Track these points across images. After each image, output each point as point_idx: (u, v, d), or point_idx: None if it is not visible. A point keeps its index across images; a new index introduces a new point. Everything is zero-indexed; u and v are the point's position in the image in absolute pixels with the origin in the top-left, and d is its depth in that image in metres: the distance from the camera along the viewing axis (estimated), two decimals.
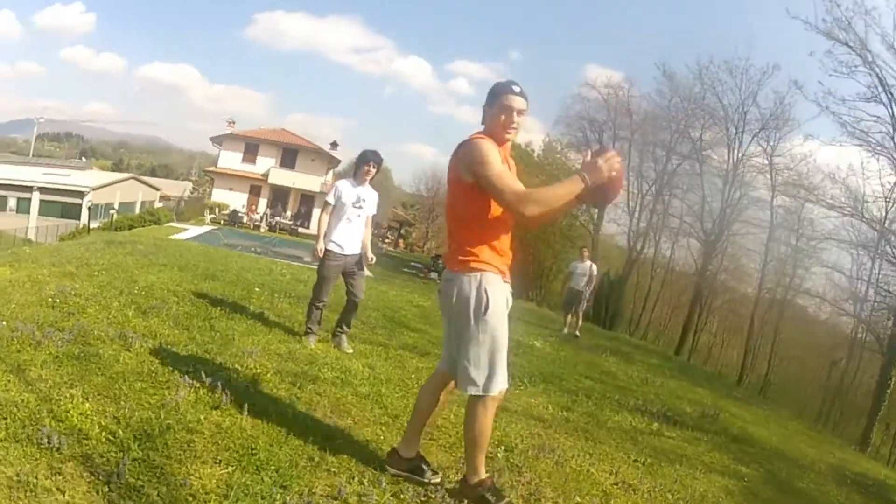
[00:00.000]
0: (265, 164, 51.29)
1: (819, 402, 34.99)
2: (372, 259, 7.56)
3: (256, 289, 9.84)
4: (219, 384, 4.28)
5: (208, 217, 42.60)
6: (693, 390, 11.75)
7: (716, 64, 34.91)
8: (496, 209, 3.36)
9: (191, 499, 2.91)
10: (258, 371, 4.98)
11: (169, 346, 5.23)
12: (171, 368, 4.60)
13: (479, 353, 3.36)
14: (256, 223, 44.18)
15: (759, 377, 35.50)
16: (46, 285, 6.96)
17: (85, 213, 44.56)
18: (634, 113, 37.93)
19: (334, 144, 53.94)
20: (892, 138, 26.28)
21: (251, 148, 51.70)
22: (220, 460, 3.33)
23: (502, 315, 3.39)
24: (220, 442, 3.54)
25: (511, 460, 4.38)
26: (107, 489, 2.82)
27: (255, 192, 50.82)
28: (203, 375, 4.42)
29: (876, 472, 9.63)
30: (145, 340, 5.20)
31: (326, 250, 7.14)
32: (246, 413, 3.98)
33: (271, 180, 50.45)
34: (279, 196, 50.64)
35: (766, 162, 33.74)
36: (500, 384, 3.40)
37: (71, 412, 3.48)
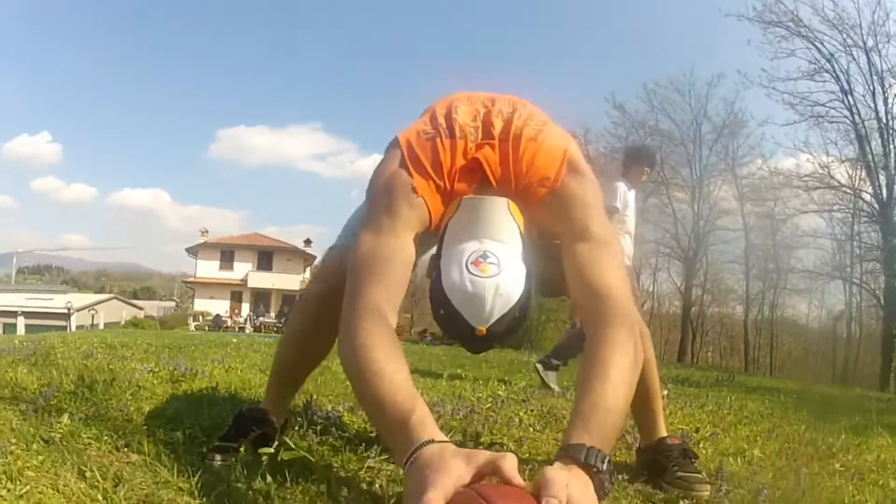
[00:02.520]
0: (242, 269, 51.60)
1: (831, 368, 33.99)
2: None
3: (233, 340, 9.72)
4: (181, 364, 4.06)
5: (192, 324, 42.32)
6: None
7: (662, 85, 34.41)
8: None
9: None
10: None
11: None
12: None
13: None
14: (241, 325, 44.01)
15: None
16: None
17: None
18: (593, 160, 37.64)
19: (308, 242, 54.56)
20: (843, 101, 26.57)
21: (227, 255, 52.11)
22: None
23: None
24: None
25: None
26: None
27: (235, 297, 50.96)
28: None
29: None
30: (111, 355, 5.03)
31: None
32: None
33: (251, 284, 50.66)
34: (260, 299, 50.76)
35: (727, 167, 33.74)
36: None
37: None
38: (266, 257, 52.73)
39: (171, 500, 1.48)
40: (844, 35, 26.03)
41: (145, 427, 2.10)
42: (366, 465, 1.90)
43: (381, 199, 1.82)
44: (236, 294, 51.09)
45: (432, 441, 1.28)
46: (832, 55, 26.45)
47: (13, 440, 1.79)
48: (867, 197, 27.35)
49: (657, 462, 2.31)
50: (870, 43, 25.56)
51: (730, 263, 35.11)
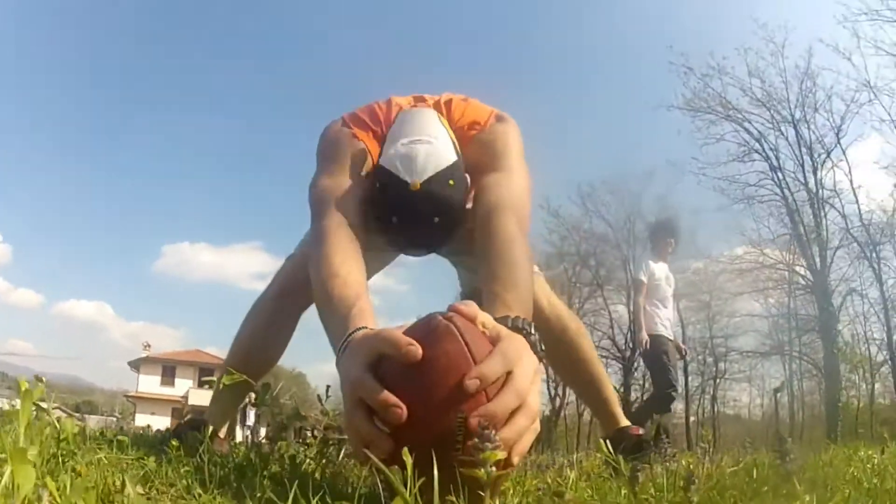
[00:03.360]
0: (184, 385, 50.47)
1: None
2: (685, 350, 6.58)
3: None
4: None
5: None
6: None
7: (595, 187, 34.21)
8: None
9: None
10: None
11: None
12: None
13: None
14: None
15: None
16: None
17: None
18: None
19: None
20: (773, 178, 27.06)
21: (168, 370, 51.09)
22: None
23: None
24: None
25: None
26: None
27: (176, 414, 49.63)
28: None
29: None
30: None
31: (655, 336, 6.20)
32: None
33: (192, 401, 49.44)
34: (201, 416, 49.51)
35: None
36: None
37: None
38: (208, 374, 51.52)
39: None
40: (773, 111, 26.63)
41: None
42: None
43: (327, 152, 2.07)
44: (177, 411, 49.87)
45: (365, 328, 1.31)
46: (761, 134, 26.97)
47: None
48: (801, 270, 27.68)
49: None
50: (798, 115, 26.17)
51: None
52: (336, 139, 2.08)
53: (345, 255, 1.63)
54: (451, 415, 1.06)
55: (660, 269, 6.50)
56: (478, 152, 2.02)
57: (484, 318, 1.23)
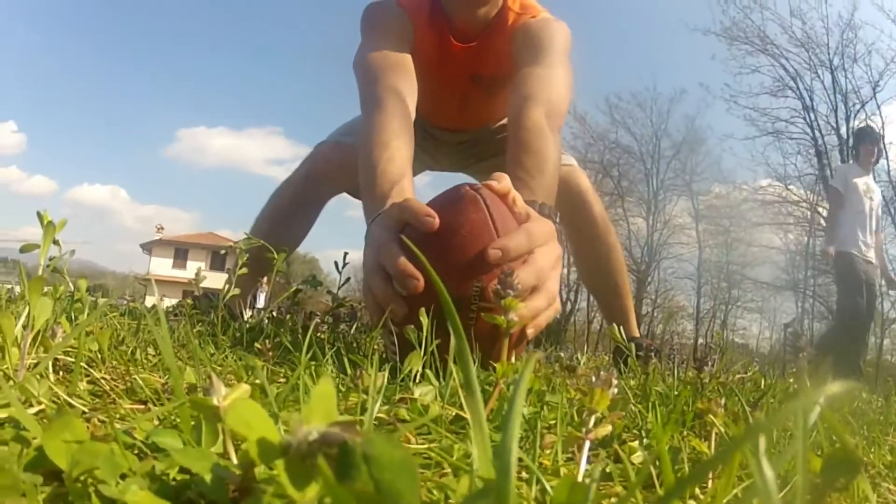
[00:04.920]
0: (196, 268, 50.75)
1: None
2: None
3: None
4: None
5: None
6: None
7: (625, 99, 33.71)
8: None
9: None
10: None
11: None
12: None
13: None
14: None
15: None
16: None
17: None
18: None
19: None
20: (804, 118, 26.78)
21: (181, 253, 51.57)
22: None
23: None
24: None
25: None
26: None
27: (187, 297, 50.20)
28: None
29: None
30: None
31: (846, 254, 5.65)
32: None
33: (203, 284, 49.98)
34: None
35: (685, 184, 33.43)
36: None
37: None
38: (220, 257, 52.07)
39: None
40: (811, 53, 26.21)
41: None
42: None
43: (372, 25, 2.04)
44: (188, 293, 50.02)
45: None
46: (797, 73, 26.64)
47: None
48: (824, 212, 26.76)
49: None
50: (836, 62, 25.74)
51: (682, 279, 34.58)
52: (381, 11, 2.06)
53: (398, 128, 1.59)
54: (469, 284, 1.05)
55: (861, 180, 6.00)
56: (523, 43, 1.98)
57: (516, 195, 1.20)
